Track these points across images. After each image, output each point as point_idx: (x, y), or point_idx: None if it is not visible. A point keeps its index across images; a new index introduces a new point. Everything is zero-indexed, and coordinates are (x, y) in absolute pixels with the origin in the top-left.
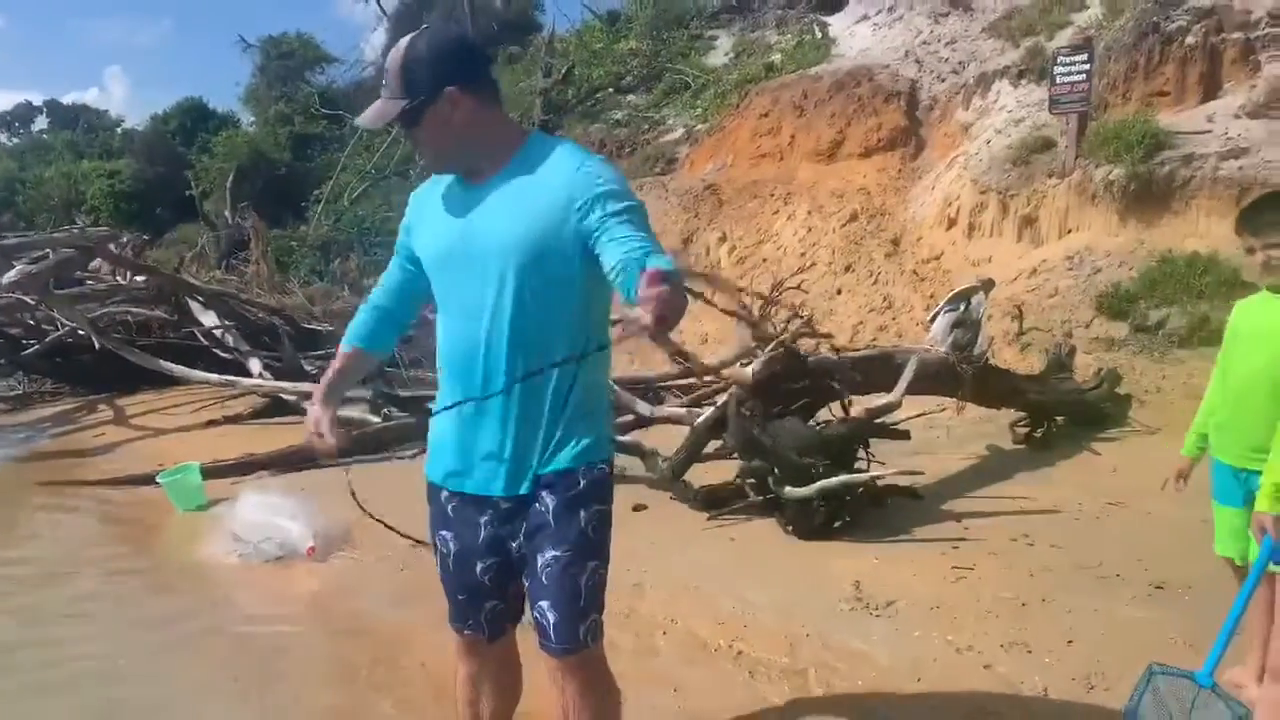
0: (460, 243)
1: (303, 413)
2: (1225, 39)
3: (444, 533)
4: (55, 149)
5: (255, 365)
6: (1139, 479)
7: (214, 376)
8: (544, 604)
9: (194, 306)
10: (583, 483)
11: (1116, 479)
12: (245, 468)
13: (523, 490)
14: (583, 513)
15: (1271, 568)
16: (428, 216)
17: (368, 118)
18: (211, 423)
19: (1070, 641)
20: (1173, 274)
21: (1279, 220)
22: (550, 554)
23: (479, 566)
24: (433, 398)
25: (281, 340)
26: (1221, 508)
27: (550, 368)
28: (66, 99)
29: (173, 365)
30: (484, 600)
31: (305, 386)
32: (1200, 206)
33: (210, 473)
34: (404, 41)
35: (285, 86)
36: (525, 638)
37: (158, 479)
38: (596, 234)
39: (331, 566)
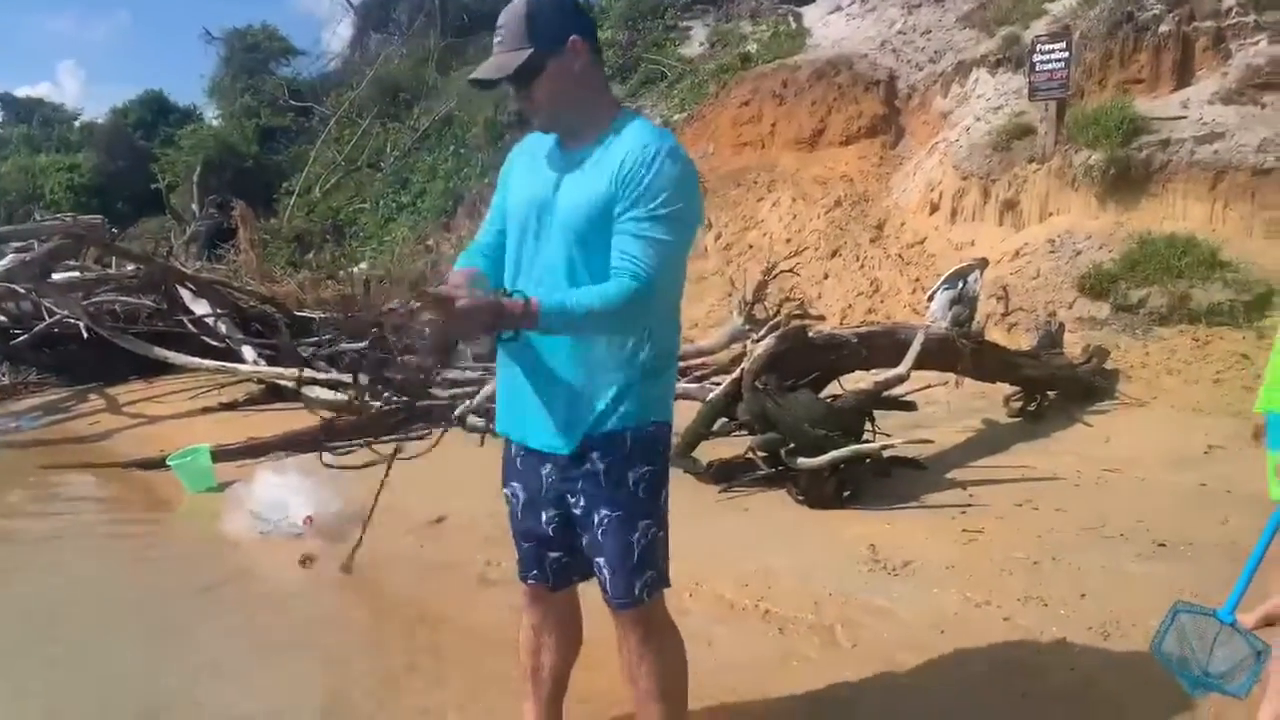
0: (539, 207)
1: (301, 398)
2: (1197, 27)
3: (513, 484)
4: (11, 143)
5: (249, 352)
6: (1132, 447)
7: (212, 363)
8: (600, 560)
9: (185, 295)
10: (630, 443)
11: (1110, 448)
12: (251, 451)
13: (572, 448)
14: (631, 474)
15: None
16: (521, 171)
17: (487, 69)
18: (207, 409)
19: (1083, 595)
20: (1152, 255)
21: None
22: (603, 513)
23: (543, 516)
24: (428, 383)
25: (277, 327)
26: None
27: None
28: (18, 93)
29: (171, 352)
30: (549, 550)
31: (301, 372)
32: (1177, 190)
33: (217, 456)
34: None
35: (251, 79)
36: (590, 592)
37: (168, 461)
38: (616, 230)
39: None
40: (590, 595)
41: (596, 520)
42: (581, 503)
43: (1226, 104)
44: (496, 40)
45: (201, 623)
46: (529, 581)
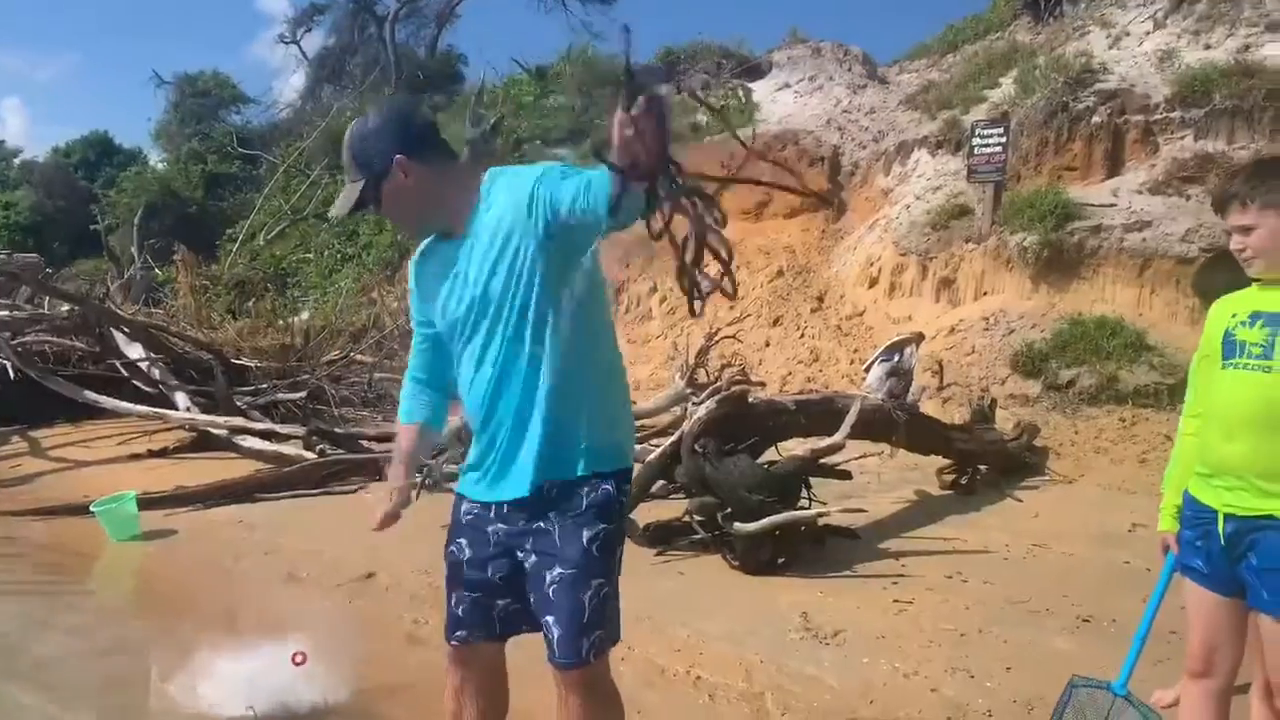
0: (454, 300)
1: (233, 447)
2: (1128, 120)
3: (459, 540)
4: None
5: (182, 399)
6: (1060, 523)
7: (144, 409)
8: (549, 619)
9: (119, 338)
10: (585, 502)
11: (1039, 523)
12: (179, 500)
13: (526, 491)
14: (586, 532)
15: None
16: (426, 280)
17: (339, 207)
18: (136, 456)
19: (1009, 668)
20: (1082, 336)
21: (1237, 194)
22: (555, 571)
23: (490, 568)
24: (365, 436)
25: (214, 374)
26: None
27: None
28: None
29: (102, 397)
30: (497, 598)
31: (236, 421)
32: (1107, 274)
33: (143, 504)
34: (351, 127)
35: (199, 125)
36: (518, 656)
37: (92, 507)
38: (550, 208)
39: None
40: (518, 660)
41: (548, 579)
42: (533, 559)
43: (1154, 194)
44: (345, 172)
45: (103, 685)
46: (454, 642)
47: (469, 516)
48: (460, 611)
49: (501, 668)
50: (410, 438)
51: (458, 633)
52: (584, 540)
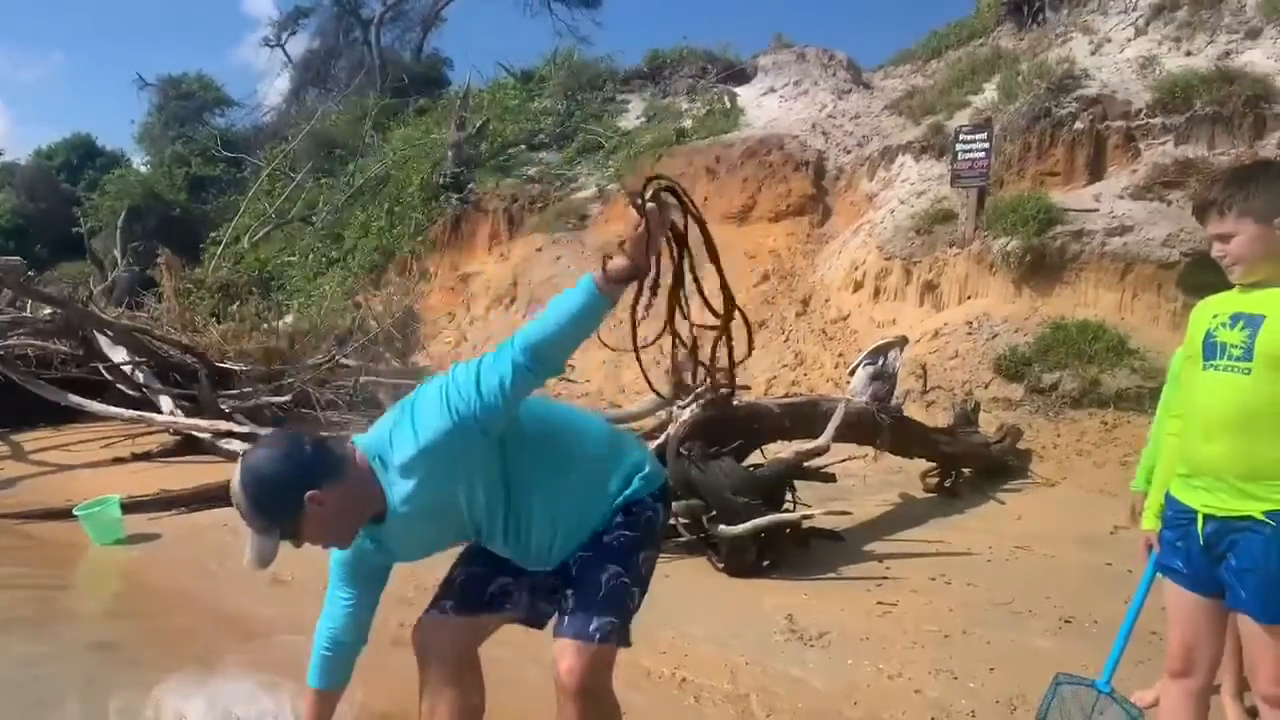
0: (420, 548)
1: (217, 451)
2: (1109, 126)
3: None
4: None
5: (166, 403)
6: (1042, 526)
7: (127, 412)
8: (569, 590)
9: (102, 341)
10: (611, 511)
11: (1021, 525)
12: (163, 504)
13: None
14: (605, 536)
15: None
16: (379, 549)
17: (254, 559)
18: (119, 459)
19: (992, 669)
20: (1065, 340)
21: (1214, 202)
22: (579, 554)
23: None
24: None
25: (197, 378)
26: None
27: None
28: None
29: (85, 400)
30: (499, 574)
31: (221, 425)
32: (1089, 279)
33: (127, 508)
34: (235, 484)
35: (183, 127)
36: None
37: (75, 511)
38: (488, 409)
39: None
40: (510, 661)
41: (572, 560)
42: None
43: (1135, 199)
44: (245, 521)
45: (86, 685)
46: (433, 612)
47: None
48: (458, 582)
49: (473, 660)
50: (325, 707)
51: (442, 602)
52: (604, 539)
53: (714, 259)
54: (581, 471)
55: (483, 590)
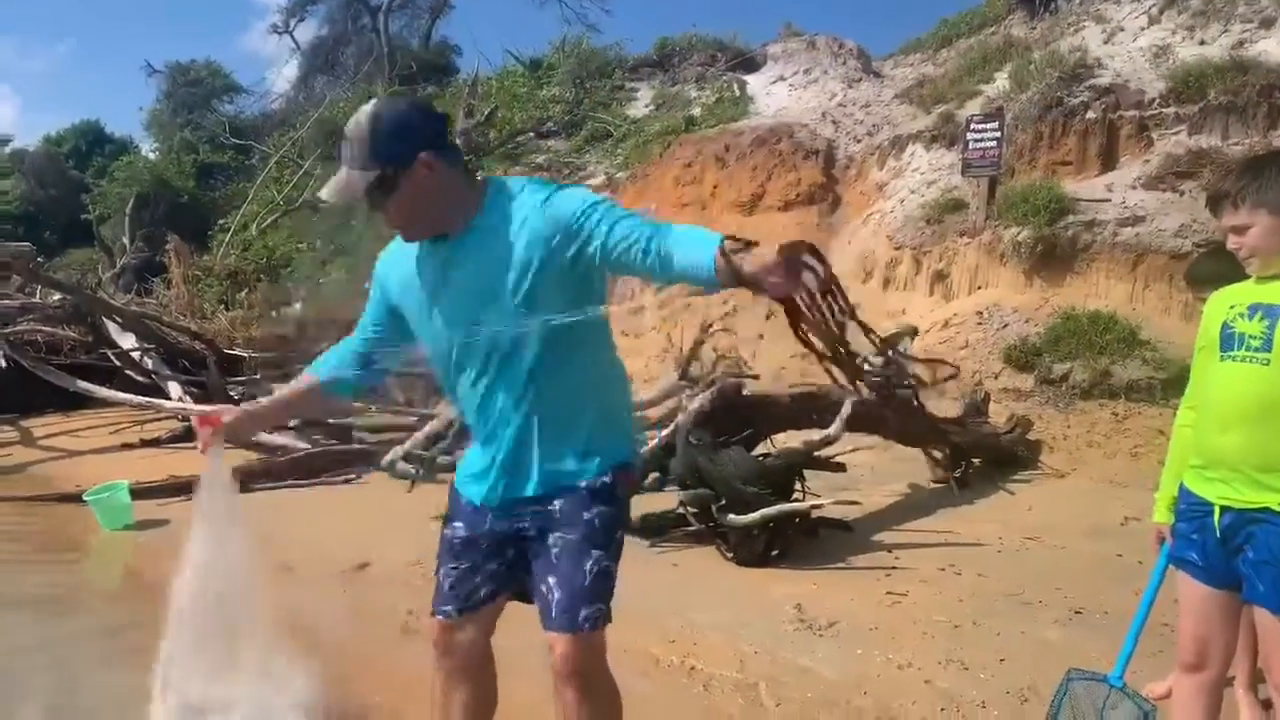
0: (441, 301)
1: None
2: (1122, 115)
3: (455, 523)
4: None
5: (175, 389)
6: (1052, 516)
7: (136, 399)
8: (550, 579)
9: (111, 328)
10: (587, 493)
11: (1032, 516)
12: (172, 490)
13: (530, 494)
14: (585, 513)
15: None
16: (402, 278)
17: (333, 192)
18: (128, 445)
19: (1002, 660)
20: (1075, 331)
21: (1228, 194)
22: (556, 535)
23: (484, 541)
24: (359, 427)
25: (206, 364)
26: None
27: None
28: None
29: (94, 386)
30: (486, 563)
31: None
32: (1100, 269)
33: (136, 493)
34: (366, 111)
35: (191, 114)
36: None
37: (85, 496)
38: (602, 244)
39: None
40: (515, 650)
41: (551, 541)
42: (534, 529)
43: (1148, 189)
44: (345, 155)
45: (101, 673)
46: (439, 616)
47: (470, 508)
48: (448, 585)
49: (488, 654)
50: (305, 388)
51: (444, 607)
52: (584, 515)
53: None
54: (596, 385)
55: (472, 584)
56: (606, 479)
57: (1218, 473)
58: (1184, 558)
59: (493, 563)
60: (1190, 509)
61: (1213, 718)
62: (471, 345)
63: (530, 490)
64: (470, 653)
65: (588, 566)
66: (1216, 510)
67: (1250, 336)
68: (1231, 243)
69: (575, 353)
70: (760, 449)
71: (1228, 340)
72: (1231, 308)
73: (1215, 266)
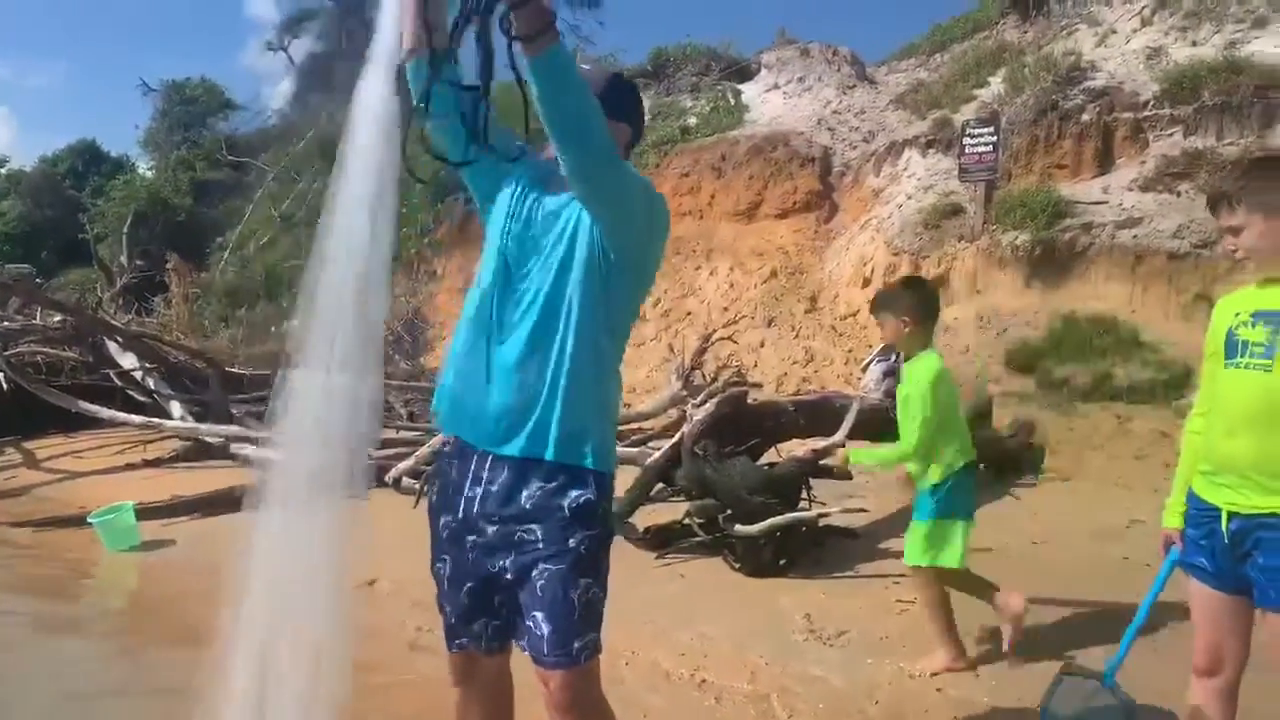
0: (524, 213)
1: (230, 456)
2: (1117, 118)
3: (443, 557)
4: None
5: (177, 408)
6: (1057, 520)
7: (138, 419)
8: (538, 615)
9: (112, 348)
10: (568, 511)
11: (1037, 520)
12: (177, 509)
13: (512, 450)
14: (571, 540)
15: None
16: (514, 173)
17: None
18: (131, 466)
19: (1012, 666)
20: (1075, 333)
21: (1225, 195)
22: (542, 567)
23: (470, 583)
24: None
25: (208, 383)
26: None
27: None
28: None
29: (97, 407)
30: (481, 615)
31: (232, 430)
32: (1099, 271)
33: (141, 514)
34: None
35: (188, 132)
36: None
37: (90, 518)
38: None
39: None
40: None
41: (535, 574)
42: (517, 563)
43: (1145, 191)
44: None
45: (109, 686)
46: (454, 650)
47: (446, 530)
48: (454, 621)
49: (507, 679)
50: None
51: (457, 640)
52: (569, 541)
53: None
54: (609, 373)
55: (474, 620)
56: (590, 496)
57: (1226, 479)
58: (1193, 563)
59: (485, 616)
60: (1199, 514)
61: None
62: (524, 265)
63: (517, 450)
64: (487, 679)
65: (575, 596)
66: (1224, 516)
67: (1254, 344)
68: (1228, 244)
69: (603, 333)
70: (766, 458)
71: (1232, 348)
72: (1236, 315)
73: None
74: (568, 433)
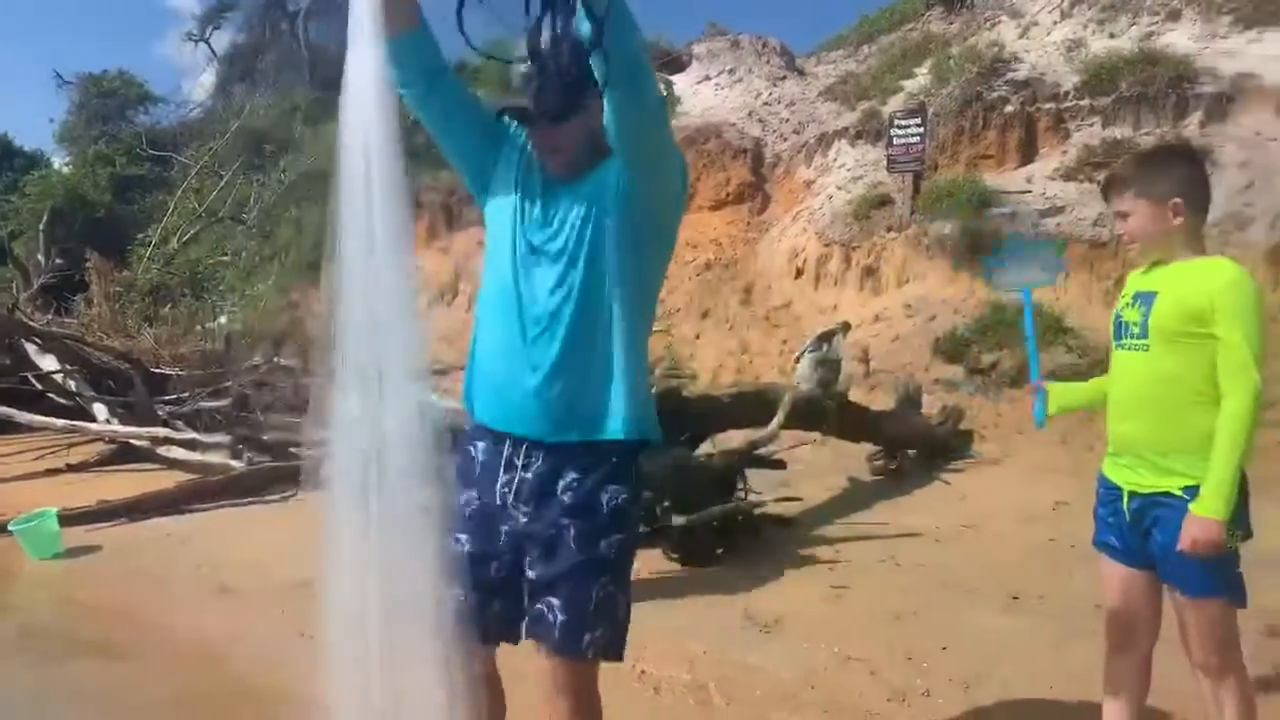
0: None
1: (156, 458)
2: (1039, 108)
3: (459, 535)
4: None
5: (101, 411)
6: (986, 504)
7: (60, 422)
8: (554, 600)
9: (31, 349)
10: (606, 510)
11: (967, 505)
12: (101, 515)
13: (563, 437)
14: (603, 542)
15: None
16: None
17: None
18: (54, 471)
19: (944, 648)
20: (1002, 321)
21: (1116, 181)
22: (564, 560)
23: (493, 566)
24: (294, 443)
25: (133, 384)
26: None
27: None
28: None
29: (14, 411)
30: (493, 600)
31: (159, 431)
32: None
33: (65, 520)
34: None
35: (106, 125)
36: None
37: (10, 526)
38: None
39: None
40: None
41: (557, 561)
42: (544, 553)
43: (1067, 180)
44: None
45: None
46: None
47: (469, 508)
48: (469, 600)
49: (496, 681)
50: None
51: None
52: (600, 544)
53: None
54: (635, 349)
55: (492, 602)
56: (625, 493)
57: (1124, 459)
58: (1104, 540)
59: (499, 602)
60: (1106, 493)
61: (1142, 695)
62: (555, 240)
63: (550, 434)
64: (479, 673)
65: (594, 590)
66: (1125, 495)
67: (1132, 324)
68: (1118, 227)
69: (642, 310)
70: (702, 449)
71: (1118, 329)
72: (1123, 297)
73: None
74: (620, 413)
